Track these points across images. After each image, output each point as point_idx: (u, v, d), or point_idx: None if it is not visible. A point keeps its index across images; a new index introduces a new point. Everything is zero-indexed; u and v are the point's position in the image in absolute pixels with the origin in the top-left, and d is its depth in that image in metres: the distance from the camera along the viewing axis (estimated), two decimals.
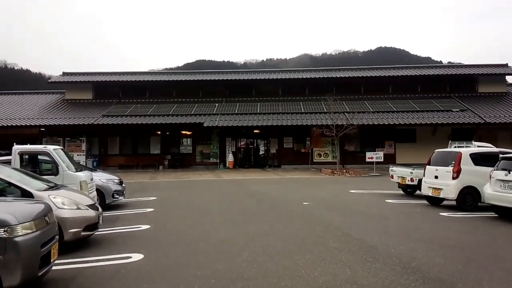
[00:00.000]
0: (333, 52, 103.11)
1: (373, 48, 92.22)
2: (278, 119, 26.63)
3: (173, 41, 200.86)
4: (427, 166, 12.08)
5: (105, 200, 11.50)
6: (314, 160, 27.56)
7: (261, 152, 30.35)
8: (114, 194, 11.75)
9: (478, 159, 11.06)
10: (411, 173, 13.40)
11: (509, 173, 9.15)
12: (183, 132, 28.35)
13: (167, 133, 28.31)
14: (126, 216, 10.43)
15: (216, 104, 28.83)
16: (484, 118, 24.99)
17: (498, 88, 29.09)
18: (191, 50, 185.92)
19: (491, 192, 9.60)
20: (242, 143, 30.10)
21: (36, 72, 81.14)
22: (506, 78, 29.89)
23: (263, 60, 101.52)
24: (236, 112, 27.62)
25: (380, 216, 10.02)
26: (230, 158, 27.26)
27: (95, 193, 10.26)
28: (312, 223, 9.02)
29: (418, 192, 13.46)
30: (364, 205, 11.79)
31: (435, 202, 11.81)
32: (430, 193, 11.65)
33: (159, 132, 27.82)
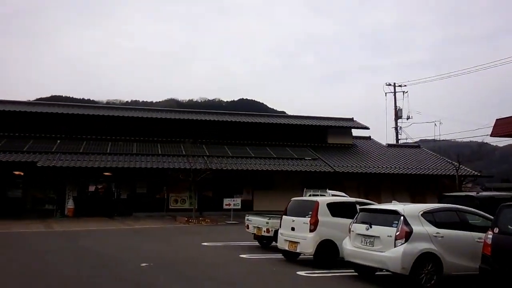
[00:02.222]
0: (199, 99, 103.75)
1: (236, 99, 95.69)
2: (132, 160, 24.01)
3: (25, 73, 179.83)
4: (284, 217, 11.01)
5: None
6: (170, 207, 25.33)
7: (110, 198, 26.86)
8: None
9: (336, 209, 10.29)
10: (267, 223, 12.23)
11: (371, 227, 8.29)
12: (12, 172, 23.53)
13: None
14: None
15: (58, 141, 24.85)
16: (334, 167, 26.18)
17: (345, 140, 31.11)
18: (46, 84, 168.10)
19: (351, 248, 8.63)
20: (88, 188, 26.27)
21: None
22: (352, 131, 32.12)
23: (127, 101, 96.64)
24: (81, 151, 24.08)
25: (230, 280, 8.43)
26: (70, 204, 23.23)
27: None
28: None
29: (274, 243, 12.35)
30: (214, 264, 10.14)
31: (292, 256, 10.70)
32: (286, 247, 10.51)
33: None
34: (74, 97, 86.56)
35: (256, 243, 13.29)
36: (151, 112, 29.84)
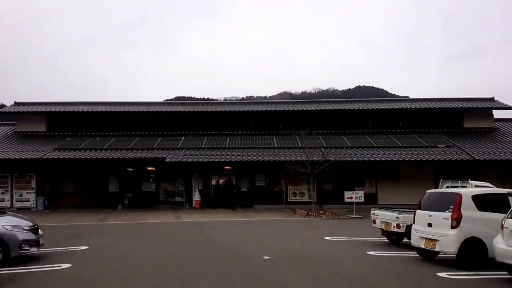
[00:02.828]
0: (312, 90, 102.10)
1: (352, 87, 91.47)
2: (249, 154, 24.30)
3: (151, 78, 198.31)
4: (418, 211, 9.76)
5: (9, 252, 8.83)
6: (289, 200, 25.10)
7: (232, 191, 27.80)
8: (23, 245, 9.12)
9: (483, 202, 8.75)
10: (397, 218, 11.15)
11: None
12: (146, 168, 25.67)
13: (128, 169, 25.55)
14: (24, 277, 7.72)
15: (182, 138, 26.37)
16: (472, 155, 23.08)
17: (484, 123, 27.33)
18: (171, 87, 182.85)
19: (505, 247, 7.21)
20: (211, 181, 27.54)
21: None
22: (493, 112, 27.97)
23: (242, 98, 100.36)
24: (203, 146, 25.17)
25: (361, 279, 7.53)
26: (196, 197, 24.53)
27: None
28: None
29: (405, 239, 11.26)
30: (340, 260, 9.33)
31: (429, 255, 9.42)
32: (422, 244, 9.28)
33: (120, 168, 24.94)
34: (195, 96, 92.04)
35: (384, 239, 12.25)
36: (265, 105, 29.94)
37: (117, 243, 12.03)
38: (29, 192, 23.74)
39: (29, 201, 23.72)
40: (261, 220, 18.58)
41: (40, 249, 9.88)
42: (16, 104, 28.45)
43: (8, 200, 23.63)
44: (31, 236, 9.38)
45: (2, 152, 23.52)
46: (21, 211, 22.33)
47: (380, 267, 8.67)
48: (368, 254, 10.21)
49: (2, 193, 23.66)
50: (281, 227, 16.10)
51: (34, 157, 22.76)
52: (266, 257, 9.47)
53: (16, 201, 23.66)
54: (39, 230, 9.86)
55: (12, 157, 22.81)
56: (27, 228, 9.41)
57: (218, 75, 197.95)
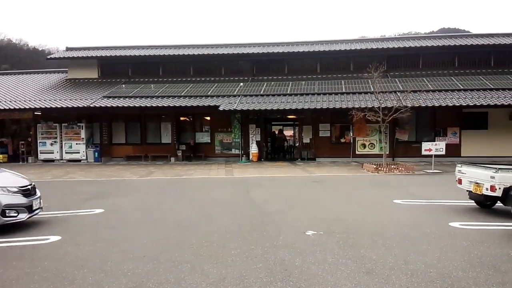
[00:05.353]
0: (392, 34, 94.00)
1: (435, 29, 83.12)
2: (313, 100, 21.70)
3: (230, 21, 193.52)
4: None
5: None
6: (357, 152, 22.42)
7: (292, 143, 25.70)
8: (7, 211, 7.54)
9: None
10: (493, 177, 8.36)
11: None
12: (200, 117, 24.18)
13: (181, 118, 24.23)
14: None
15: (241, 84, 24.28)
16: None
17: None
18: (247, 31, 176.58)
19: None
20: (271, 131, 25.56)
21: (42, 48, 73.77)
22: None
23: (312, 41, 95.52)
24: (261, 93, 22.89)
25: (440, 278, 5.05)
26: (253, 149, 22.68)
27: None
28: None
29: (498, 204, 8.79)
30: (411, 238, 6.88)
31: None
32: None
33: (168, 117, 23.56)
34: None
35: (472, 204, 9.58)
36: (332, 44, 26.49)
37: (140, 206, 10.30)
38: (79, 143, 23.13)
39: (79, 152, 23.15)
40: (321, 176, 16.28)
41: (40, 214, 8.38)
42: (68, 49, 27.91)
43: (57, 152, 23.11)
44: (21, 199, 7.79)
45: (50, 100, 22.97)
46: (71, 164, 22.14)
47: (468, 251, 6.11)
48: (451, 226, 7.71)
49: (51, 144, 23.11)
50: (343, 186, 13.73)
51: (80, 106, 21.84)
52: (310, 232, 7.26)
53: (66, 153, 23.17)
54: (37, 191, 8.33)
55: (58, 106, 22.03)
56: (15, 190, 7.81)
57: (283, 20, 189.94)
